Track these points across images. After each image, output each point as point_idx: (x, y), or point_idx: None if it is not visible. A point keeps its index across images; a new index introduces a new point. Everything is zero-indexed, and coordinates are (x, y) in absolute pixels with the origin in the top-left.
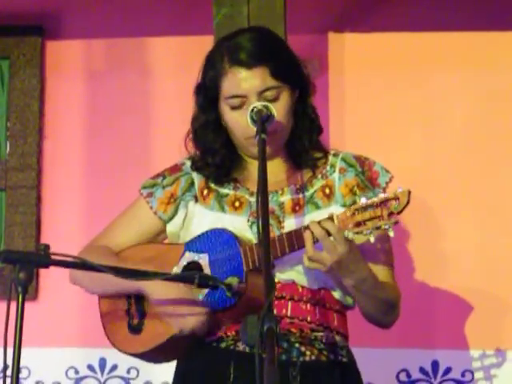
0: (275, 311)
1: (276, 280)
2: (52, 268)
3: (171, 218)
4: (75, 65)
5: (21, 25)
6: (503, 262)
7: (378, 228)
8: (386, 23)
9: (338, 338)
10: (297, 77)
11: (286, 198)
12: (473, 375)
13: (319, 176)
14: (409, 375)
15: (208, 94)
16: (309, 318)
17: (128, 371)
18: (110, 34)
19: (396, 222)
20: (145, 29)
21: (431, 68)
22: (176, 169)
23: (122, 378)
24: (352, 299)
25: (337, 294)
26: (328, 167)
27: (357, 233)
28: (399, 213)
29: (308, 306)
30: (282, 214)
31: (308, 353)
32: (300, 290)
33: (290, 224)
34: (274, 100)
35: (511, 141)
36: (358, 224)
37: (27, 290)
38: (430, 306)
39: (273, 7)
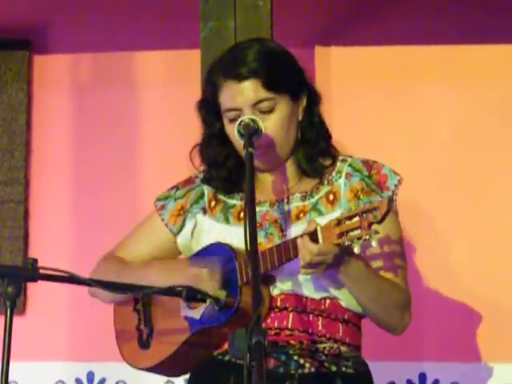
0: (276, 323)
1: (278, 291)
2: (40, 282)
3: (180, 230)
4: (62, 79)
5: (8, 39)
6: (491, 275)
7: (359, 238)
8: (373, 37)
9: (343, 348)
10: (298, 86)
11: (292, 206)
12: None
13: (325, 182)
14: None
15: (210, 107)
16: (310, 330)
17: None
18: (97, 48)
19: (376, 232)
20: (132, 43)
21: (418, 81)
22: (189, 181)
23: None
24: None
25: (344, 303)
26: (334, 173)
27: (339, 244)
28: (379, 222)
29: (311, 316)
30: (285, 222)
31: (307, 365)
32: (304, 300)
33: (293, 232)
34: (269, 112)
35: (502, 150)
36: (341, 235)
37: (15, 304)
38: (417, 319)
39: (259, 21)
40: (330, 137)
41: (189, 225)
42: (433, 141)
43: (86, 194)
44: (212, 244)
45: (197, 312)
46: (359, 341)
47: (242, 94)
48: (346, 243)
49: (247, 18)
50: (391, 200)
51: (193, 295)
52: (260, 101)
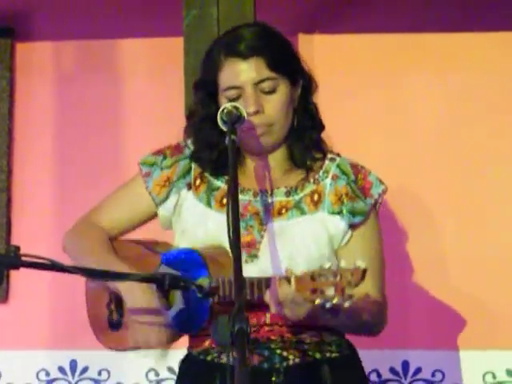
0: (255, 321)
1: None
2: (22, 270)
3: (163, 202)
4: (45, 67)
5: None
6: (473, 264)
7: (331, 300)
8: (356, 25)
9: (324, 334)
10: (296, 72)
11: (275, 200)
12: (443, 375)
13: (311, 180)
14: (379, 375)
15: (207, 88)
16: (289, 322)
17: (99, 373)
18: (81, 35)
19: (350, 297)
20: (115, 31)
21: (401, 69)
22: (178, 150)
23: (93, 379)
24: None
25: None
26: (321, 172)
27: (311, 300)
28: (352, 288)
29: None
30: (267, 216)
31: (291, 357)
32: None
33: (273, 227)
34: (271, 92)
35: (487, 137)
36: (315, 291)
37: None
38: (400, 307)
39: (242, 9)
40: (323, 128)
41: (173, 198)
42: (416, 129)
43: (69, 182)
44: (185, 250)
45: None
46: None
47: (246, 72)
48: (318, 301)
49: (230, 5)
50: (365, 270)
51: (176, 283)
52: (263, 80)
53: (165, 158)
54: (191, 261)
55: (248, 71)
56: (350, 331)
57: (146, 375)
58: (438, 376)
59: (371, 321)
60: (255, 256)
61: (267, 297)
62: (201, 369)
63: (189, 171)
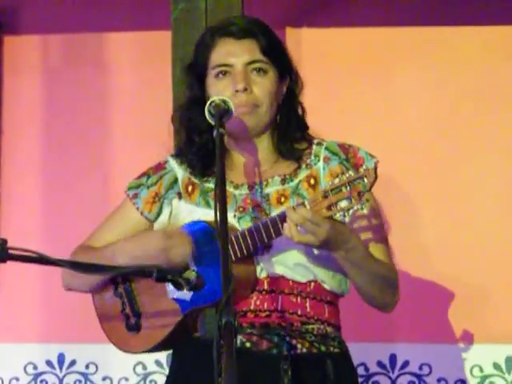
0: (266, 305)
1: (265, 274)
2: (10, 263)
3: (157, 217)
4: (33, 60)
5: None
6: (463, 256)
7: (350, 209)
8: (344, 19)
9: (329, 329)
10: (285, 66)
11: (271, 190)
12: (430, 369)
13: (304, 166)
14: (367, 369)
15: (196, 71)
16: (299, 312)
17: (87, 366)
18: (68, 29)
19: (367, 200)
20: (102, 24)
21: (388, 63)
22: (159, 167)
23: (80, 373)
24: (344, 286)
25: (327, 285)
26: (312, 157)
27: (330, 216)
28: (368, 190)
29: (299, 299)
30: (268, 206)
31: (299, 346)
32: (290, 283)
33: None
34: (261, 73)
35: (474, 130)
36: (330, 207)
37: None
38: None
39: (230, 2)
40: (307, 128)
41: (166, 211)
42: (403, 123)
43: (57, 175)
44: (188, 223)
45: (186, 293)
46: (340, 321)
47: (238, 52)
48: (338, 215)
49: None
50: (376, 169)
51: (163, 276)
52: (254, 61)
53: (149, 177)
54: (196, 229)
55: (241, 51)
56: (371, 290)
57: (134, 368)
58: (426, 369)
59: (389, 283)
60: (270, 247)
61: (286, 229)
62: (199, 348)
63: (176, 181)
